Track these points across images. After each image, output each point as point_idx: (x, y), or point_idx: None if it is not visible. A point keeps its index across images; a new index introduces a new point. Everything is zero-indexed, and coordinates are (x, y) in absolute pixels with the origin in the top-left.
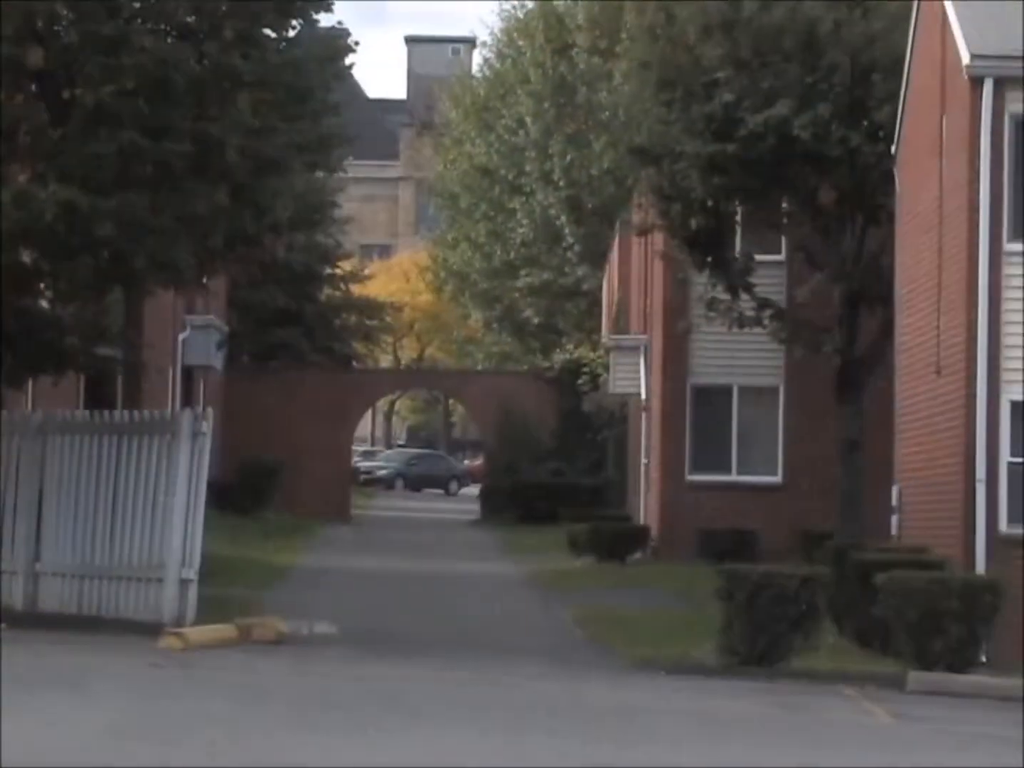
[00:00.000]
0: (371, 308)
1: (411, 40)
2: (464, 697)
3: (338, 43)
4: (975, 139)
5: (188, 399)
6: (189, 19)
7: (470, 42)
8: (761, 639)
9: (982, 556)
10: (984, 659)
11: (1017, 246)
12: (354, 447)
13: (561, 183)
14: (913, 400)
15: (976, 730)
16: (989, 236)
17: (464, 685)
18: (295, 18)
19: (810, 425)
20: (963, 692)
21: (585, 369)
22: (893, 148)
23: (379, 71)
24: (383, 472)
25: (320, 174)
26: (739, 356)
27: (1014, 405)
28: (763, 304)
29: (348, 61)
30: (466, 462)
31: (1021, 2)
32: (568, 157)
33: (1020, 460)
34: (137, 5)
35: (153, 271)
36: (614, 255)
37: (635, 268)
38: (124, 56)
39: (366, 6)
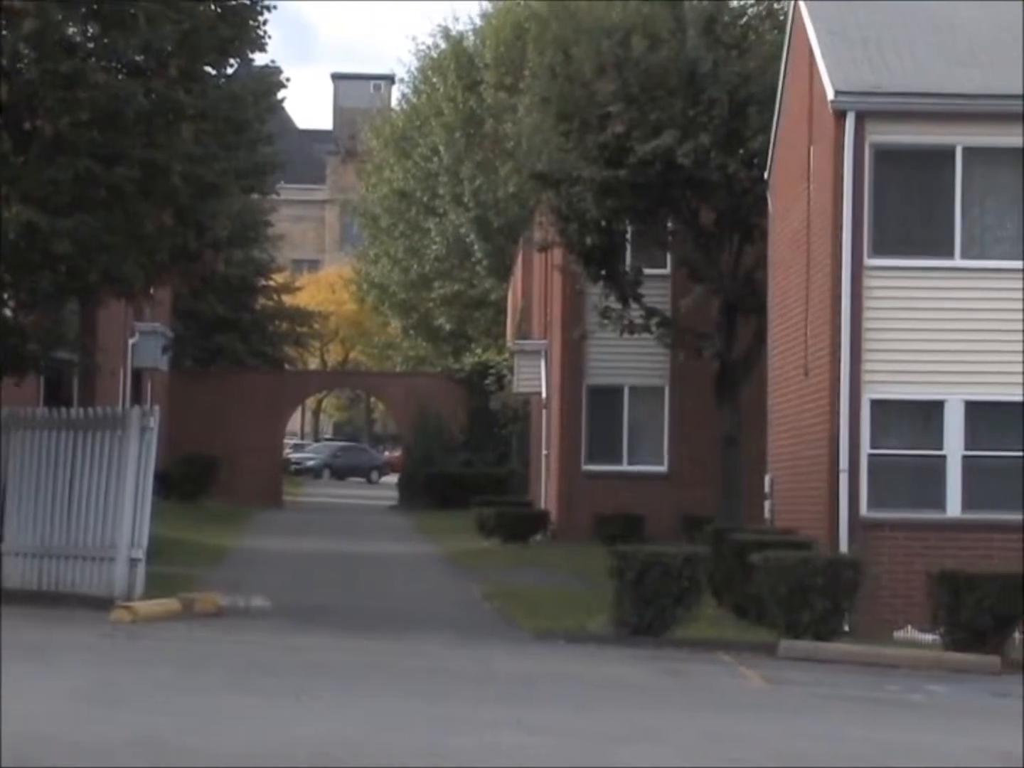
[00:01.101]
0: (301, 316)
1: (337, 77)
2: (386, 664)
3: (271, 79)
4: (839, 167)
5: (137, 398)
6: (138, 58)
7: (389, 79)
8: (649, 612)
9: (845, 537)
10: (847, 628)
11: (877, 261)
12: (285, 440)
13: (471, 205)
14: (784, 399)
15: (838, 692)
16: (851, 252)
17: (386, 654)
18: (233, 57)
19: (692, 421)
20: (828, 658)
21: (492, 371)
22: (766, 174)
23: (308, 104)
24: (311, 463)
25: (255, 196)
26: (629, 359)
27: (874, 403)
28: (651, 313)
29: (280, 95)
30: (386, 454)
31: (883, 42)
32: (477, 181)
33: (879, 452)
34: (91, 45)
35: (106, 284)
36: (518, 269)
37: (536, 280)
38: (80, 91)
39: (296, 46)
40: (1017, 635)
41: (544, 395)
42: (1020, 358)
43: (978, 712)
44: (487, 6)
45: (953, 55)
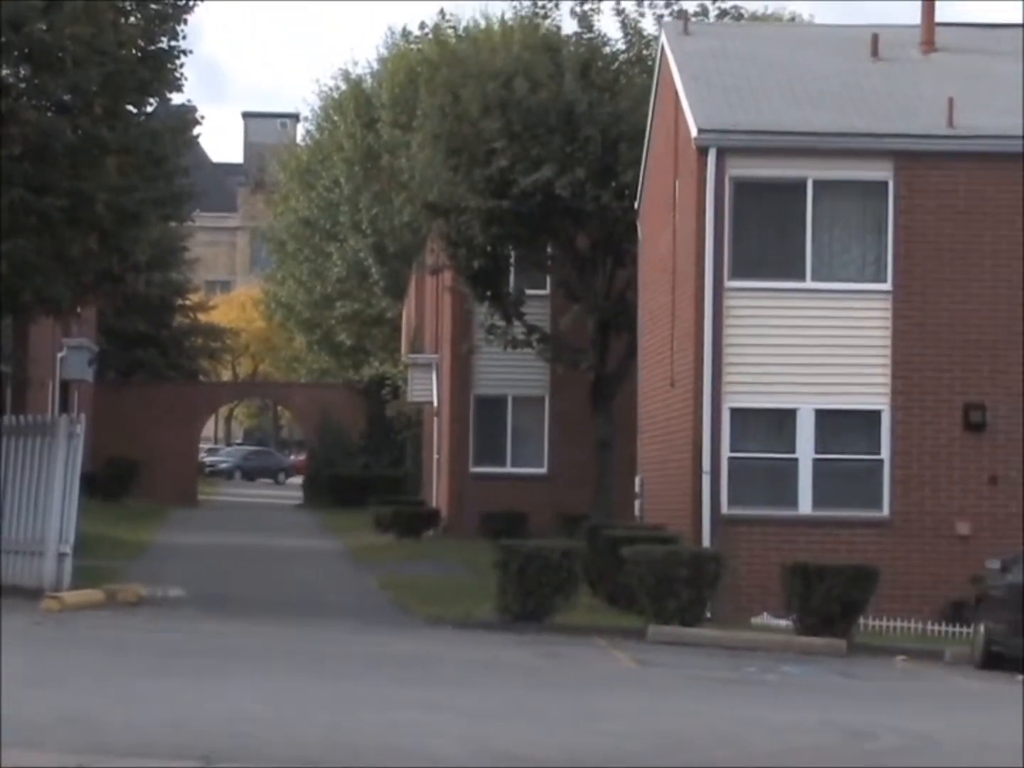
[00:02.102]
0: (214, 332)
1: (247, 115)
2: (292, 649)
3: (187, 117)
4: (702, 198)
5: (65, 407)
6: (66, 97)
7: (295, 117)
8: (530, 600)
9: (707, 533)
10: (709, 615)
11: (736, 283)
12: (200, 445)
13: (369, 232)
14: (652, 407)
15: (702, 673)
16: (713, 275)
17: (292, 640)
18: (153, 96)
19: (570, 427)
20: (692, 642)
21: (388, 382)
22: (636, 204)
23: (220, 140)
24: (224, 465)
25: (173, 224)
26: (513, 372)
27: (733, 411)
28: (532, 330)
29: (195, 132)
30: (292, 457)
31: (741, 86)
32: (374, 210)
33: (738, 455)
34: (23, 86)
35: (37, 303)
36: (412, 290)
37: (428, 300)
38: (12, 127)
39: (210, 87)
40: (862, 620)
41: (435, 404)
42: (864, 370)
43: (827, 690)
44: (383, 51)
45: (804, 98)
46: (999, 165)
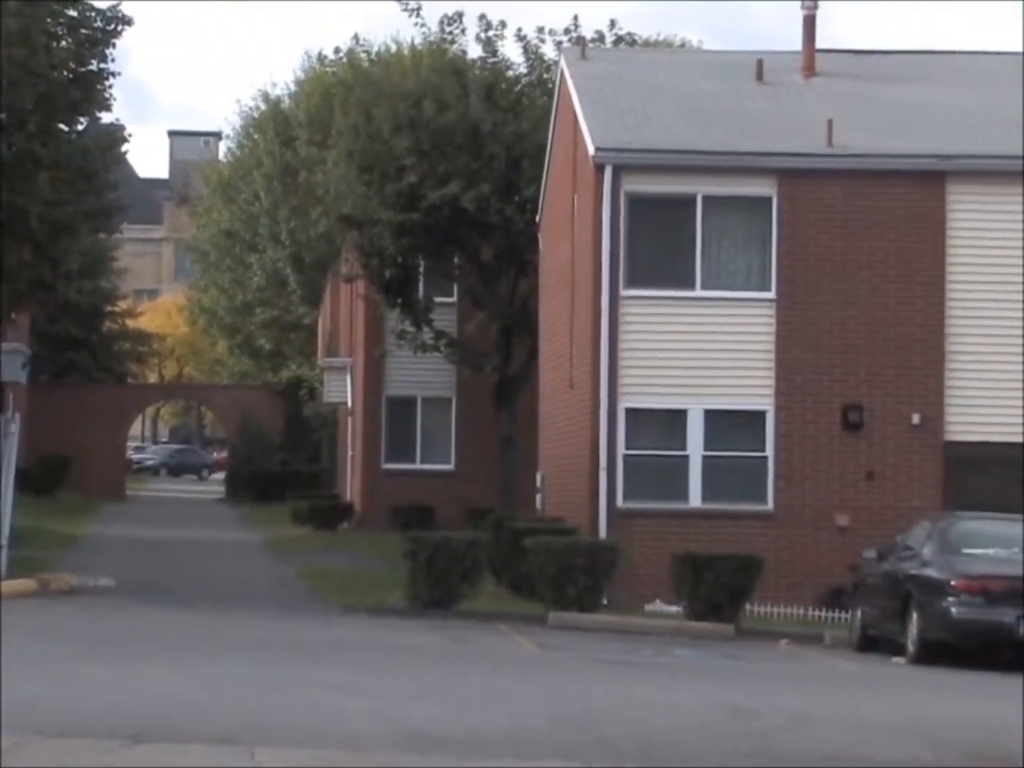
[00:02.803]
0: (142, 337)
1: (172, 133)
2: (215, 635)
3: (116, 135)
4: (599, 212)
5: (0, 407)
6: (1, 116)
7: (217, 135)
8: (438, 588)
9: (604, 525)
10: (606, 602)
11: (631, 291)
12: (128, 443)
13: (287, 243)
14: (553, 408)
15: (599, 656)
16: (609, 284)
17: (215, 626)
18: (83, 115)
19: (475, 427)
20: (590, 627)
21: (305, 384)
22: (538, 217)
23: (147, 157)
24: (150, 462)
25: (102, 235)
26: (422, 374)
27: (628, 411)
28: (440, 335)
29: (123, 149)
30: (215, 454)
31: (636, 108)
32: (292, 223)
33: (633, 452)
34: None
35: None
36: (327, 297)
37: (343, 307)
38: None
39: (137, 106)
40: (748, 607)
41: (350, 404)
42: (750, 373)
43: (715, 672)
44: (300, 74)
45: (694, 119)
46: (874, 182)
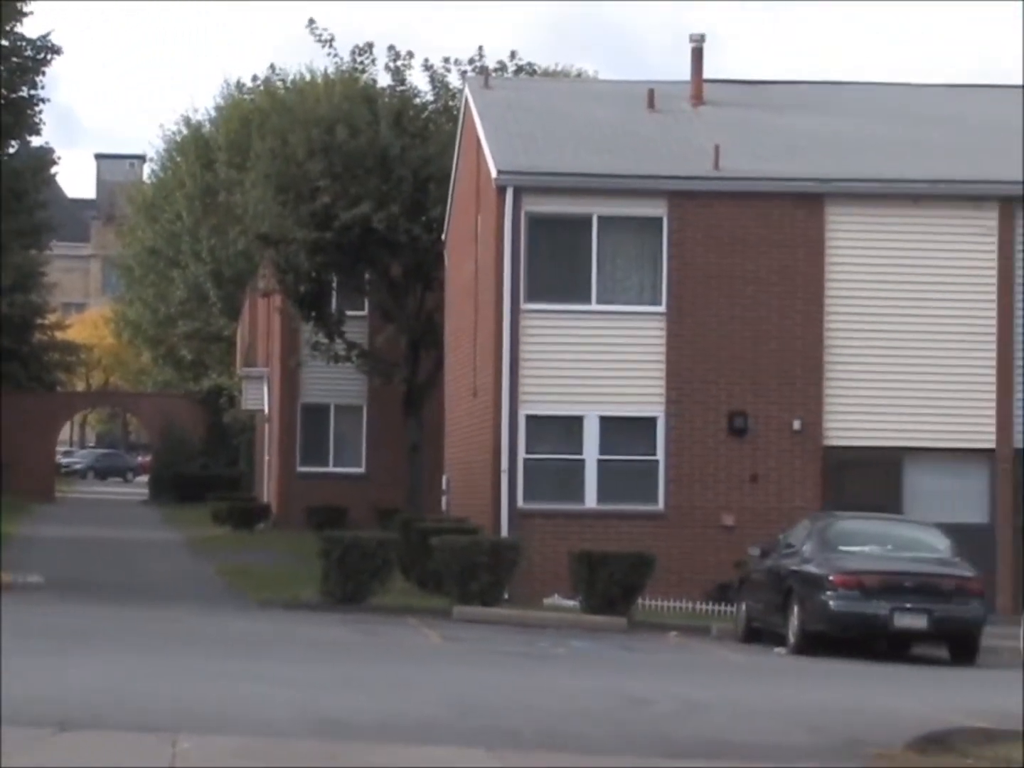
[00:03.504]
0: (70, 348)
1: (99, 156)
2: (140, 628)
3: (45, 157)
4: (501, 231)
5: None
6: None
7: (142, 158)
8: (350, 584)
9: (505, 524)
10: (507, 597)
11: (531, 305)
12: (57, 448)
13: (207, 259)
14: (458, 414)
15: (501, 647)
16: (510, 298)
17: (140, 620)
18: (14, 139)
19: (385, 432)
20: (493, 620)
21: (225, 392)
22: (444, 236)
23: (75, 178)
24: (78, 466)
25: (33, 252)
26: (335, 383)
27: (528, 418)
28: (352, 346)
29: (53, 171)
30: (139, 459)
31: (536, 134)
32: (212, 241)
33: (533, 456)
34: None
35: None
36: (246, 310)
37: (261, 320)
38: None
39: (66, 131)
40: (640, 601)
41: (267, 411)
42: (642, 382)
43: (610, 662)
44: (220, 100)
45: (590, 144)
46: (758, 203)
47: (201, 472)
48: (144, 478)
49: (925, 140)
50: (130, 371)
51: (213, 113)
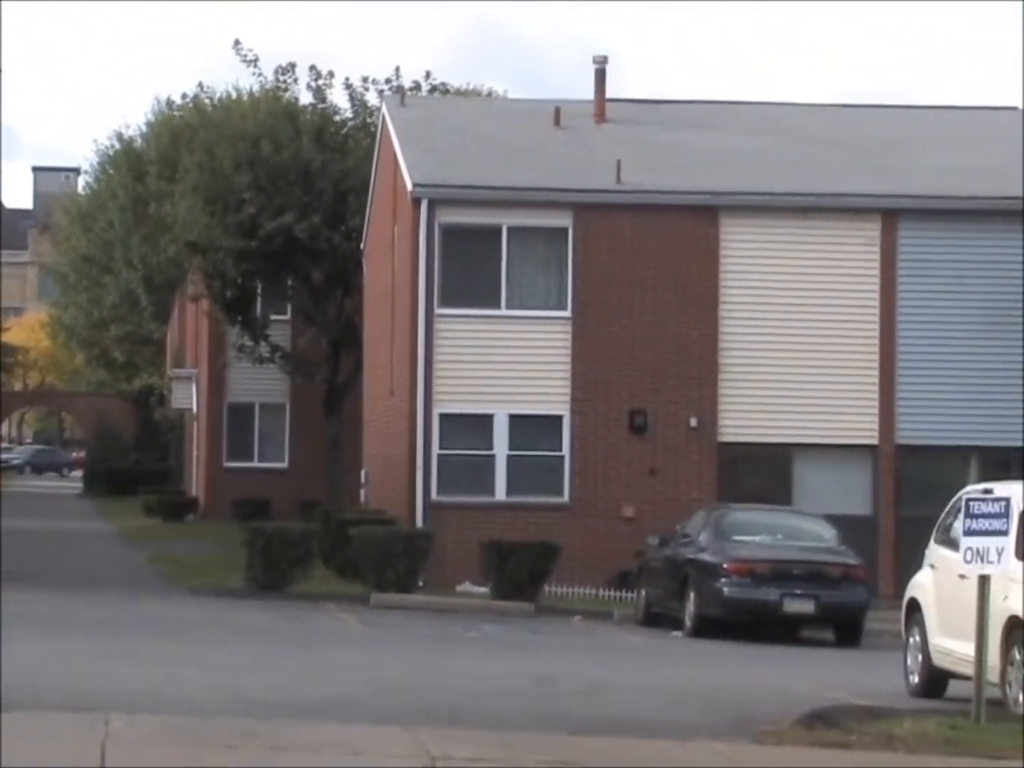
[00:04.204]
0: (8, 350)
1: (36, 169)
2: (75, 615)
3: None
4: (416, 240)
5: None
6: None
7: (77, 170)
8: (273, 573)
9: (420, 515)
10: (421, 584)
11: (444, 310)
12: None
13: (139, 266)
14: (375, 412)
15: (416, 631)
16: (425, 303)
17: (74, 606)
18: None
19: (307, 429)
20: (408, 606)
21: (155, 391)
22: (362, 245)
23: (14, 190)
24: (16, 461)
25: None
26: (259, 383)
27: (442, 416)
28: (275, 349)
29: None
30: (74, 454)
31: (449, 149)
32: (143, 249)
33: (446, 452)
34: None
35: None
36: (175, 314)
37: (189, 323)
38: None
39: (6, 144)
40: (546, 587)
41: (195, 409)
42: (549, 382)
43: (518, 644)
44: (151, 116)
45: (499, 159)
46: (657, 215)
47: (133, 467)
48: (79, 473)
49: (812, 156)
50: (65, 372)
51: (144, 128)
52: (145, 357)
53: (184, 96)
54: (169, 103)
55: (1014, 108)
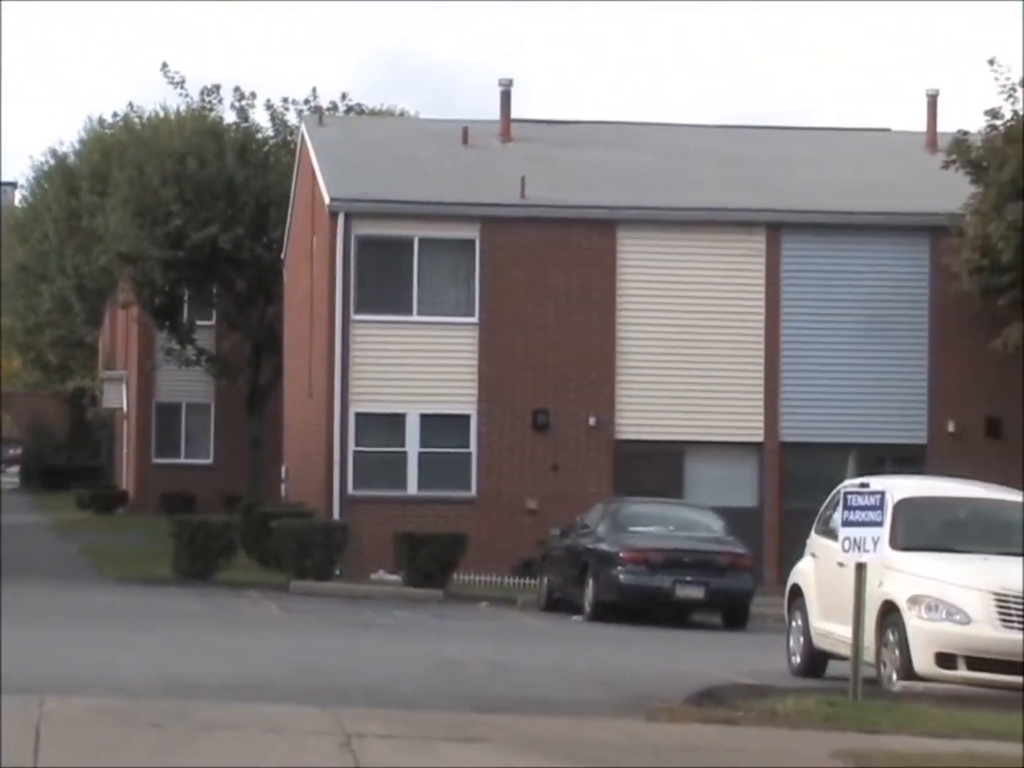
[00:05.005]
0: None
1: None
2: (10, 602)
3: None
4: (333, 251)
5: None
6: None
7: (13, 184)
8: (199, 562)
9: (337, 509)
10: (338, 572)
11: (360, 316)
12: None
13: (72, 275)
14: (295, 412)
15: (333, 617)
16: (342, 310)
17: (11, 595)
18: None
19: (231, 427)
20: (326, 593)
21: (88, 392)
22: (283, 255)
23: None
24: None
25: None
26: (186, 384)
27: (358, 415)
28: (201, 352)
29: None
30: (11, 451)
31: (364, 165)
32: (76, 259)
33: (362, 449)
34: None
35: None
36: (107, 320)
37: (120, 328)
38: None
39: None
40: (455, 576)
41: (125, 409)
42: (457, 384)
43: (428, 629)
44: (83, 134)
45: (412, 175)
46: (559, 228)
47: (66, 463)
48: (15, 469)
49: (703, 174)
50: (3, 374)
51: (77, 145)
52: (78, 360)
53: (115, 115)
54: (101, 122)
55: (886, 130)
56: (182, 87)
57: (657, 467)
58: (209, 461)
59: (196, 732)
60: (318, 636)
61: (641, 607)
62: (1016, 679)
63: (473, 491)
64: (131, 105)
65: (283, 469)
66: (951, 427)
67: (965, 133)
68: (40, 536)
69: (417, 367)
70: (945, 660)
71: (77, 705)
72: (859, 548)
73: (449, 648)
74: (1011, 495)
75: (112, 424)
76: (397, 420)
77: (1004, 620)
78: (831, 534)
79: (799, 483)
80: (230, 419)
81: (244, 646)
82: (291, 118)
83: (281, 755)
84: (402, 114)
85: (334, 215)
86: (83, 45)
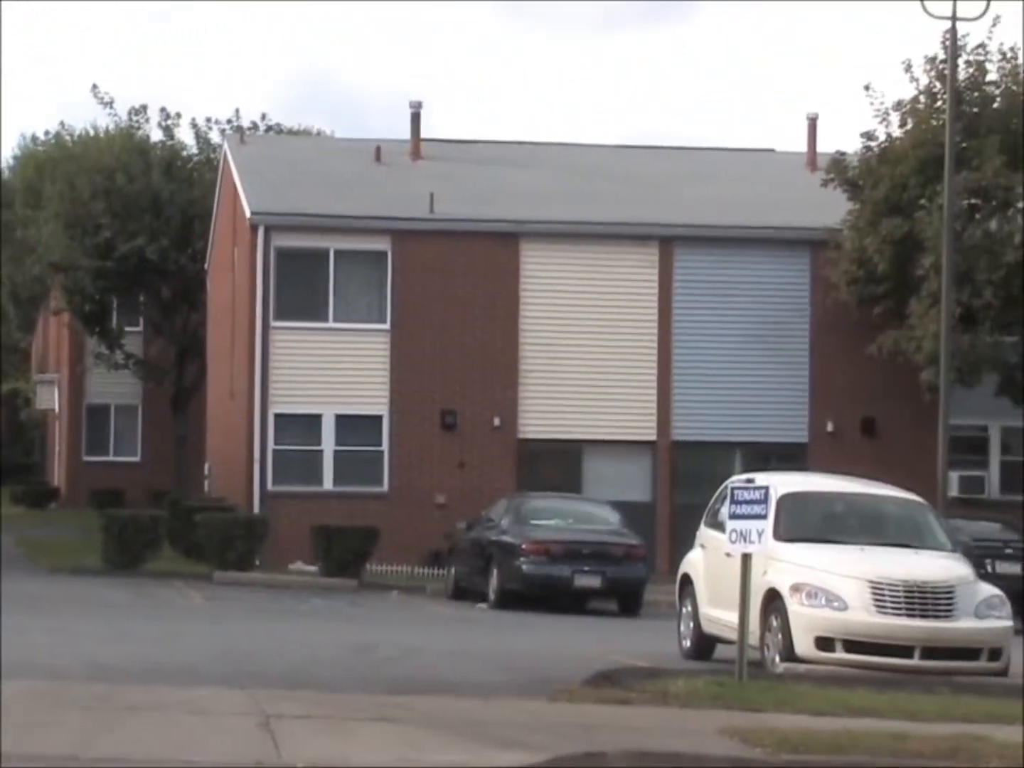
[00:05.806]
0: None
1: None
2: None
3: None
4: (253, 261)
5: None
6: None
7: None
8: (127, 554)
9: (257, 503)
10: (258, 563)
11: (279, 323)
12: None
13: (7, 283)
14: (218, 412)
15: (254, 605)
16: (262, 317)
17: None
18: None
19: (158, 427)
20: (246, 583)
21: (21, 394)
22: (206, 265)
23: None
24: None
25: None
26: (115, 386)
27: (277, 416)
28: (129, 356)
29: None
30: None
31: (285, 181)
32: (10, 268)
33: (281, 447)
34: None
35: None
36: (40, 326)
37: (52, 334)
38: None
39: None
40: (368, 566)
41: (57, 410)
42: (370, 386)
43: (343, 616)
44: (17, 151)
45: (328, 190)
46: (466, 240)
47: (1, 461)
48: None
49: (600, 190)
50: None
51: (11, 161)
52: (12, 364)
53: (47, 133)
54: (34, 139)
55: (770, 150)
56: (111, 107)
57: (557, 464)
58: (137, 459)
59: (123, 714)
60: (239, 623)
61: (542, 595)
62: (890, 660)
63: (385, 487)
64: (63, 123)
65: (207, 466)
66: (830, 427)
67: (843, 154)
68: None
69: (333, 371)
70: (824, 643)
71: (10, 688)
72: (745, 540)
73: (363, 634)
74: (885, 490)
75: (45, 424)
76: (314, 420)
77: (879, 606)
78: (719, 526)
79: (689, 479)
80: (157, 419)
81: (169, 632)
82: (214, 136)
83: (203, 735)
84: (319, 133)
85: (254, 228)
86: (14, 67)
